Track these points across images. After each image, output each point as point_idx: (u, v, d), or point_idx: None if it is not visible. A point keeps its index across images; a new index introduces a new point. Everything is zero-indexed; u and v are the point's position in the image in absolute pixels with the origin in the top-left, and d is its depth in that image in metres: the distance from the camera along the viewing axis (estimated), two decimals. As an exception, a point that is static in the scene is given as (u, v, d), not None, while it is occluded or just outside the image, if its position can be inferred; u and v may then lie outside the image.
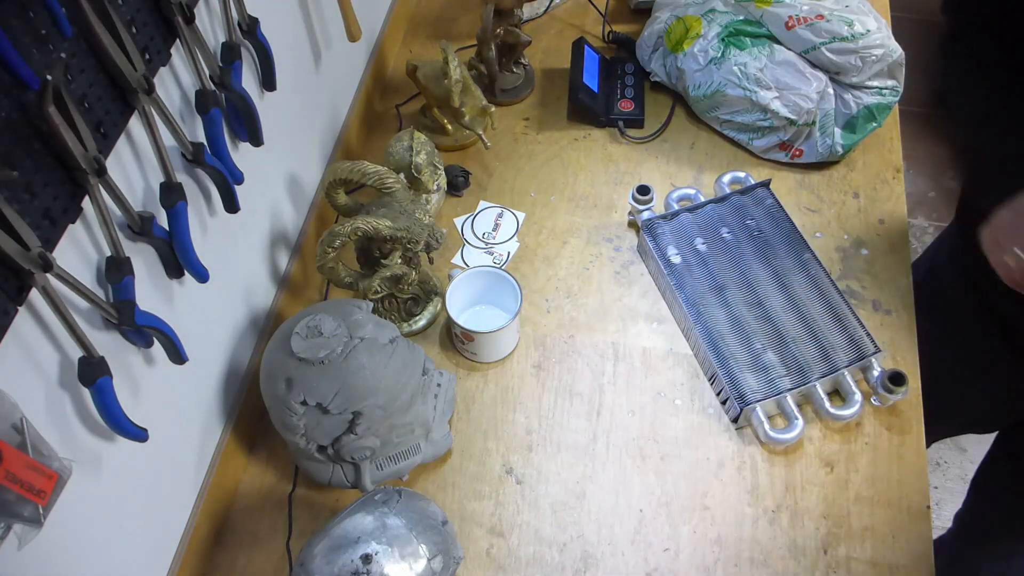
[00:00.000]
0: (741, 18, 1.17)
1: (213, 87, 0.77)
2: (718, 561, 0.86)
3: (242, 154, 0.88)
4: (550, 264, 1.10)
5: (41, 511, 0.55)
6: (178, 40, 0.71)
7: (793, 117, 1.12)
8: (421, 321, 1.04)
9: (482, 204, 1.17)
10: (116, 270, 0.66)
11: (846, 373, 0.94)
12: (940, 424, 1.04)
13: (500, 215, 1.15)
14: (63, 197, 0.59)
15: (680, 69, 1.20)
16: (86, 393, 0.64)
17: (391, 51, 1.35)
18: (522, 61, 1.29)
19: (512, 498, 0.91)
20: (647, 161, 1.20)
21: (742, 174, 1.13)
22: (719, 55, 1.15)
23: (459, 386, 0.99)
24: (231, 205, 0.81)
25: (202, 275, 0.76)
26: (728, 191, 1.11)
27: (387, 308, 1.03)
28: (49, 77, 0.54)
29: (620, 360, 1.01)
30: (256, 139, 0.85)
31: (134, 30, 0.65)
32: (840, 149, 1.14)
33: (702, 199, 1.11)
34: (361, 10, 1.10)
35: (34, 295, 0.58)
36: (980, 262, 0.80)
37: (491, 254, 1.12)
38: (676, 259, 1.04)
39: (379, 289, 0.96)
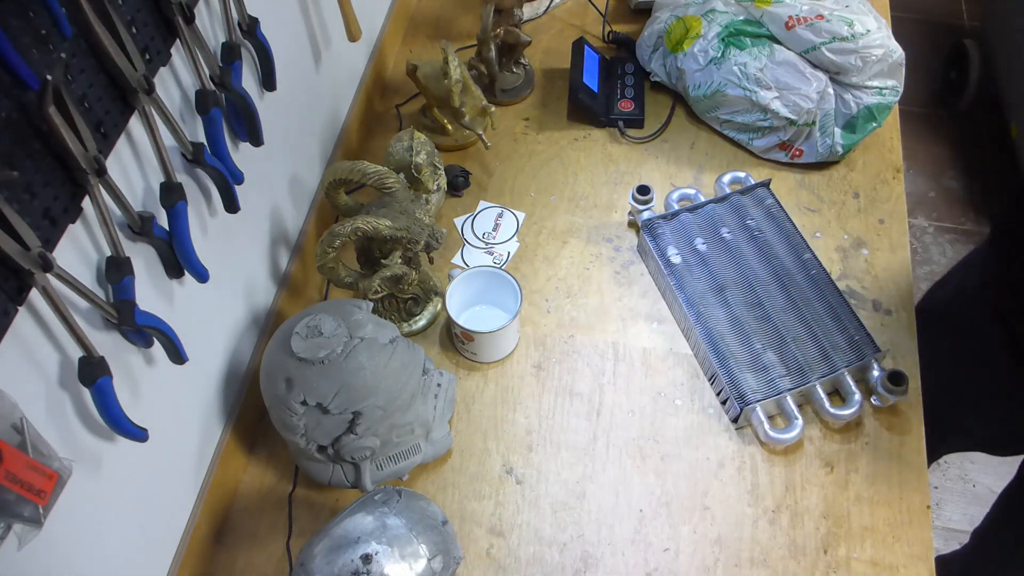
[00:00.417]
0: (741, 18, 1.17)
1: (213, 87, 0.77)
2: (718, 561, 0.86)
3: (242, 154, 0.88)
4: (550, 264, 1.10)
5: (41, 511, 0.55)
6: (178, 40, 0.71)
7: (793, 117, 1.12)
8: (421, 321, 1.04)
9: (482, 204, 1.17)
10: (116, 270, 0.66)
11: (846, 373, 0.94)
12: (955, 439, 1.03)
13: (500, 215, 1.15)
14: (63, 197, 0.59)
15: (680, 69, 1.20)
16: (86, 393, 0.64)
17: (391, 51, 1.35)
18: (522, 61, 1.29)
19: (512, 498, 0.91)
20: (647, 161, 1.20)
21: (742, 174, 1.13)
22: (719, 55, 1.15)
23: (459, 386, 0.99)
24: (231, 205, 0.81)
25: (202, 275, 0.76)
26: (728, 191, 1.11)
27: (387, 308, 1.03)
28: (49, 77, 0.54)
29: (620, 360, 1.01)
30: (256, 139, 0.85)
31: (134, 30, 0.65)
32: (840, 149, 1.14)
33: (702, 199, 1.11)
34: (361, 10, 1.10)
35: (34, 295, 0.58)
36: (1015, 291, 0.80)
37: (491, 254, 1.12)
38: (676, 259, 1.04)
39: (379, 289, 0.96)
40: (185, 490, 0.86)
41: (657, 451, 0.94)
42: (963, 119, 2.35)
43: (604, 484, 0.92)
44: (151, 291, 0.74)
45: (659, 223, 1.07)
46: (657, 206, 1.10)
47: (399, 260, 0.95)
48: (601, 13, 1.36)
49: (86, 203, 0.62)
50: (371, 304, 0.86)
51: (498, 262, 1.10)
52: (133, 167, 0.69)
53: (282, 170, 1.01)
